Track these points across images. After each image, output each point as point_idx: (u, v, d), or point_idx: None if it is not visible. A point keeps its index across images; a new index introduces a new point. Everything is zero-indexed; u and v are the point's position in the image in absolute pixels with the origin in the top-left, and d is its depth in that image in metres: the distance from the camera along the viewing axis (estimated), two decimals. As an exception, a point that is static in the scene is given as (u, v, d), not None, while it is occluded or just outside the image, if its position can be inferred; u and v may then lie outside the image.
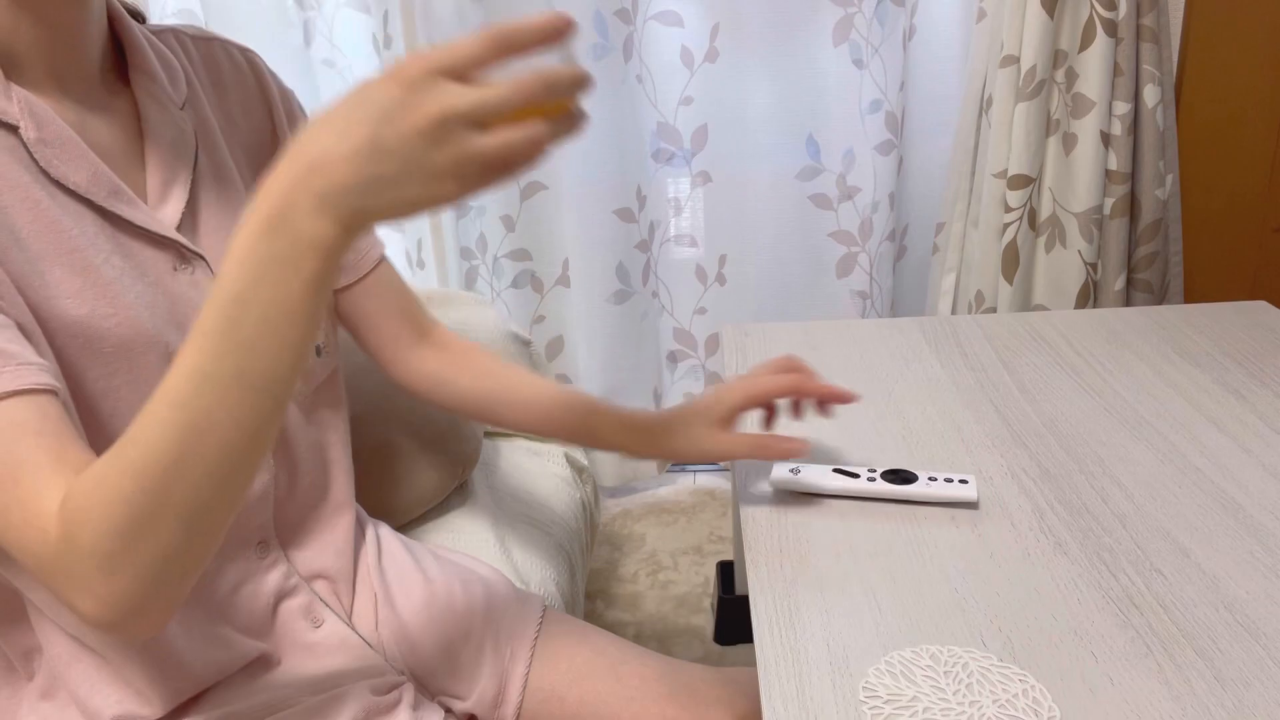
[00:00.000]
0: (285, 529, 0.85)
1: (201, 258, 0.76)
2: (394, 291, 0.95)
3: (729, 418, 0.81)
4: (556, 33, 0.51)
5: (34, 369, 0.61)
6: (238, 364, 0.54)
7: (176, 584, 0.60)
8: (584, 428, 0.86)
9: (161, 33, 0.82)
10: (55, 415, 0.61)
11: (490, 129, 0.51)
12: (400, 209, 0.52)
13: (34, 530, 0.58)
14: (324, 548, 0.89)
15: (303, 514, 0.87)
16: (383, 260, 0.95)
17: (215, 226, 0.79)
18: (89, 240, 0.69)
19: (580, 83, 0.53)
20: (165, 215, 0.75)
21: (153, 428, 0.55)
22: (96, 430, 0.69)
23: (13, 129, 0.67)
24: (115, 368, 0.69)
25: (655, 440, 0.83)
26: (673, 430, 0.83)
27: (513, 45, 0.51)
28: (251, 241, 0.53)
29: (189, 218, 0.77)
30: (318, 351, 0.88)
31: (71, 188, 0.68)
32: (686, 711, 0.88)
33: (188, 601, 0.76)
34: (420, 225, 1.86)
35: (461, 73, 0.51)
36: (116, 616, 0.58)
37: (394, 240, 1.89)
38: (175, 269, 0.74)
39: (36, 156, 0.67)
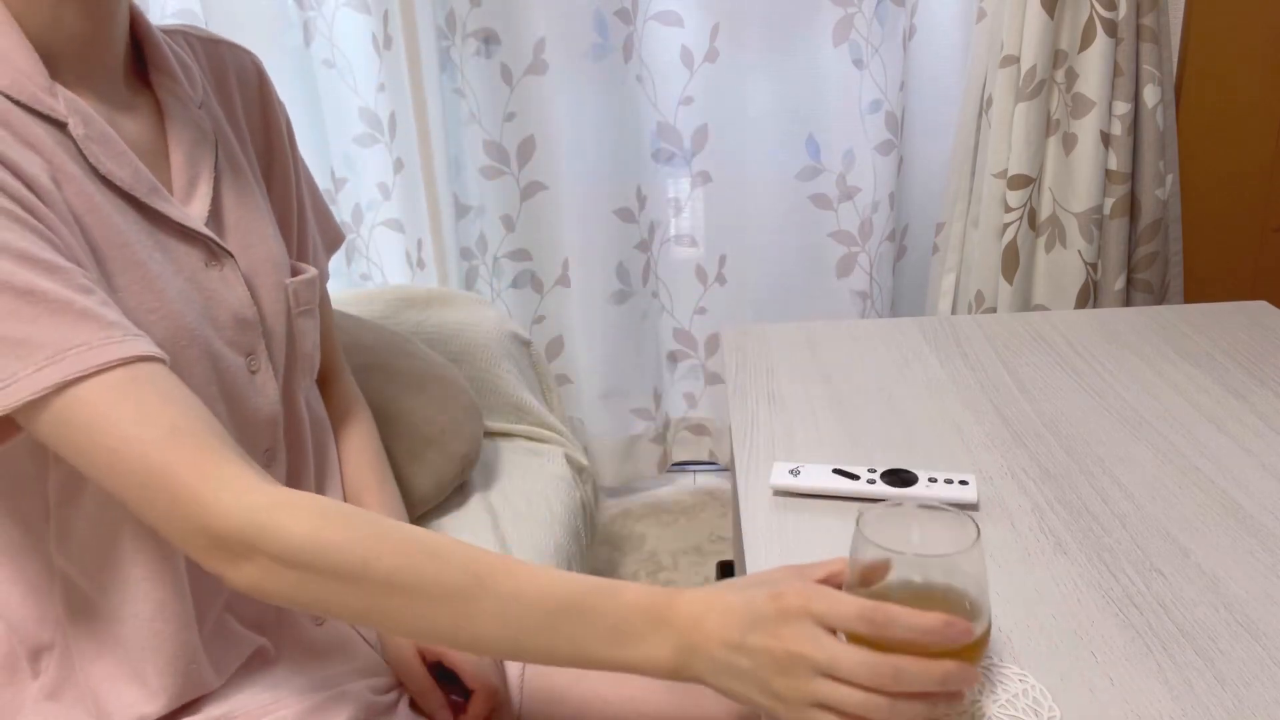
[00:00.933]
0: None
1: (229, 254, 0.77)
2: (321, 329, 0.98)
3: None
4: (942, 638, 0.56)
5: (147, 340, 0.64)
6: (522, 635, 0.62)
7: (273, 603, 0.64)
8: None
9: (171, 34, 0.83)
10: (182, 385, 0.64)
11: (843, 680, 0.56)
12: (728, 692, 0.60)
13: (228, 486, 0.61)
14: None
15: None
16: (324, 295, 0.99)
17: (237, 222, 0.80)
18: (135, 235, 0.70)
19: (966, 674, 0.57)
20: (193, 211, 0.76)
21: (445, 569, 0.61)
22: None
23: (61, 125, 0.67)
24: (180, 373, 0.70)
25: None
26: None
27: (892, 633, 0.56)
28: (626, 606, 0.61)
29: (214, 215, 0.78)
30: (318, 349, 0.89)
31: (117, 183, 0.69)
32: (687, 711, 0.88)
33: (203, 597, 0.77)
34: (420, 225, 1.86)
35: (832, 628, 0.57)
36: (231, 581, 0.62)
37: (394, 240, 1.89)
38: (206, 265, 0.75)
39: (85, 153, 0.68)
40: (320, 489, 0.91)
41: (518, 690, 0.91)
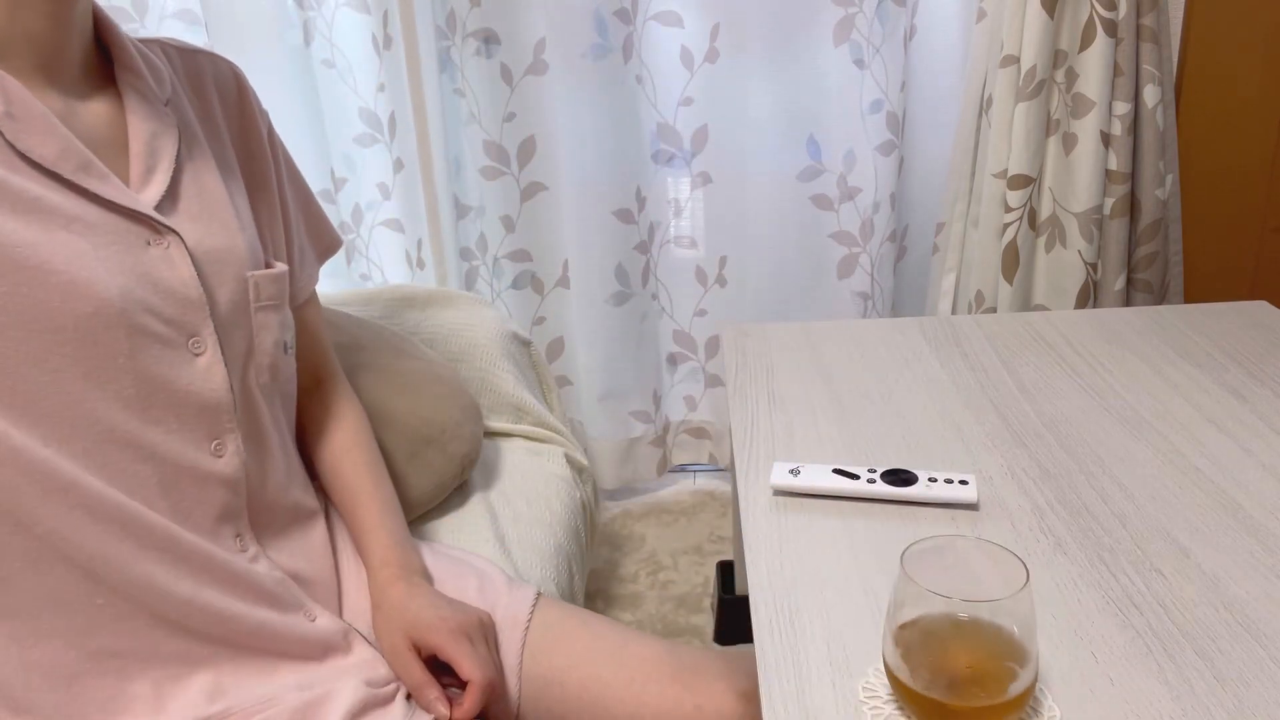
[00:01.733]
0: (259, 525, 0.86)
1: (175, 232, 0.78)
2: (309, 332, 1.00)
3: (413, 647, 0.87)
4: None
5: None
6: None
7: None
8: (362, 548, 0.95)
9: (148, 42, 0.86)
10: None
11: None
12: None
13: None
14: (296, 552, 0.89)
15: (274, 512, 0.88)
16: (313, 296, 1.00)
17: (197, 211, 0.81)
18: (58, 210, 0.71)
19: None
20: (146, 196, 0.77)
21: None
22: (47, 405, 0.70)
23: None
24: (64, 338, 0.71)
25: (375, 608, 0.90)
26: (384, 617, 0.88)
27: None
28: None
29: (169, 201, 0.79)
30: (285, 348, 0.89)
31: (38, 160, 0.71)
32: (690, 691, 0.88)
33: (77, 614, 0.75)
34: (420, 225, 1.86)
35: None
36: None
37: (394, 240, 1.89)
38: (149, 244, 0.76)
39: (3, 130, 0.70)
40: (287, 502, 0.90)
41: (515, 676, 0.91)
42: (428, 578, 0.94)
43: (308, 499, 0.94)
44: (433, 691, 0.83)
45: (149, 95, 0.80)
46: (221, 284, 0.81)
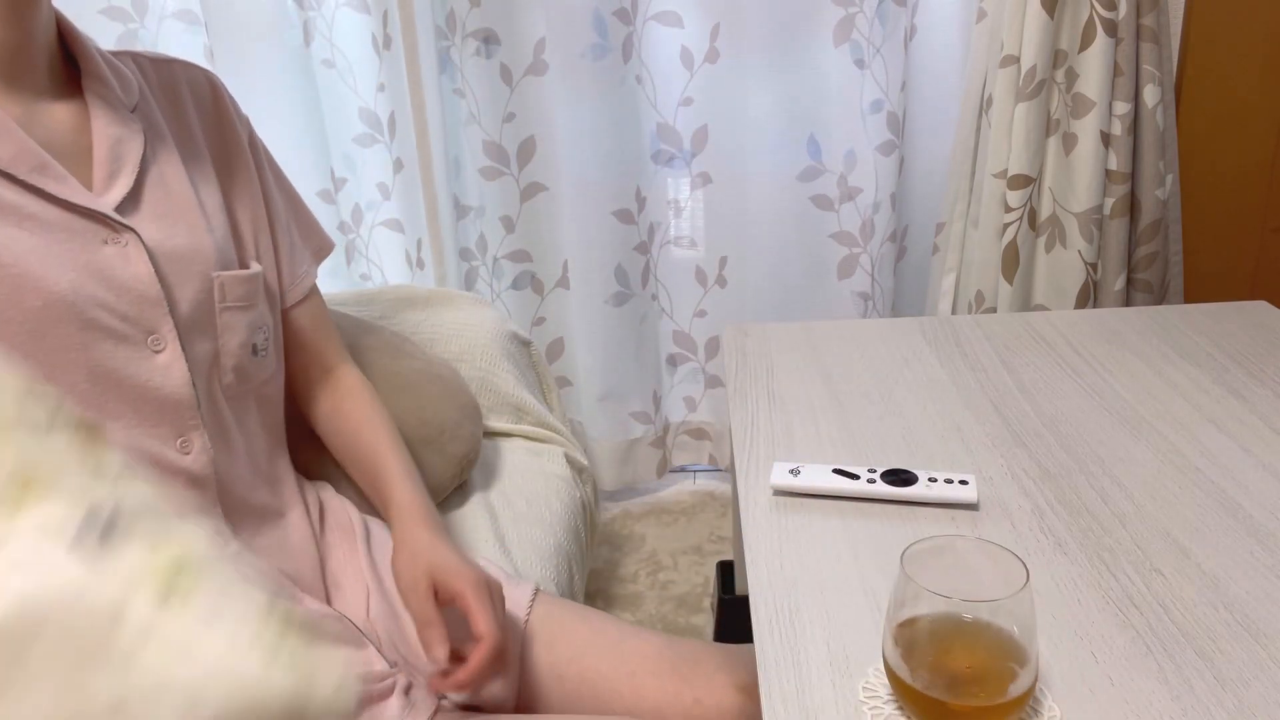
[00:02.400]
0: (235, 520, 0.86)
1: (133, 231, 0.79)
2: (312, 326, 1.00)
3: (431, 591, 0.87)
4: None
5: None
6: None
7: None
8: (385, 497, 0.96)
9: (120, 54, 0.87)
10: None
11: None
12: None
13: None
14: (273, 550, 0.89)
15: (244, 512, 0.88)
16: (313, 292, 1.01)
17: (163, 213, 0.82)
18: (10, 208, 0.73)
19: None
20: (107, 198, 0.78)
21: None
22: None
23: None
24: (14, 330, 0.72)
25: (398, 546, 0.90)
26: (409, 554, 0.89)
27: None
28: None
29: (131, 202, 0.80)
30: (254, 350, 0.89)
31: None
32: (689, 684, 0.89)
33: None
34: (419, 225, 1.86)
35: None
36: None
37: (394, 240, 1.89)
38: (105, 242, 0.77)
39: None
40: (261, 499, 0.90)
41: (514, 669, 0.91)
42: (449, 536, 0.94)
43: (274, 501, 0.93)
44: (437, 631, 0.82)
45: (114, 102, 0.82)
46: (184, 283, 0.82)
